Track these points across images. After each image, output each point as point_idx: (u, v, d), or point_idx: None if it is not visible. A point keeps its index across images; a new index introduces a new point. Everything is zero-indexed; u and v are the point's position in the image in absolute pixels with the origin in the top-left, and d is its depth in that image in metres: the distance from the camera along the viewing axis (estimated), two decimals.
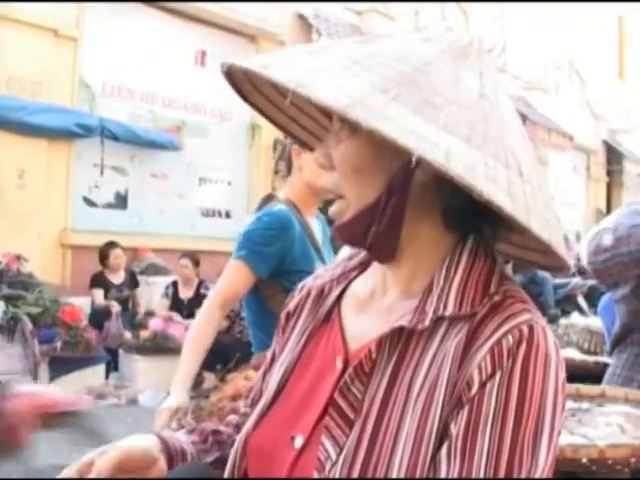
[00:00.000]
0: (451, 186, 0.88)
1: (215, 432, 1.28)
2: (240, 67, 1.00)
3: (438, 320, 0.99)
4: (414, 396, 0.96)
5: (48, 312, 8.02)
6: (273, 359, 1.24)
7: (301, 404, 1.08)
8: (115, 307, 8.52)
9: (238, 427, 1.25)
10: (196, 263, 8.95)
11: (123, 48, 10.34)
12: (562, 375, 0.96)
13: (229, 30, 11.52)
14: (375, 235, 1.02)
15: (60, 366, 7.60)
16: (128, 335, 8.43)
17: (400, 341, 1.01)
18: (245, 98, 1.16)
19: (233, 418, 1.33)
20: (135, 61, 10.56)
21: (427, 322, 0.98)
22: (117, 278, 8.95)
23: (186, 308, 8.62)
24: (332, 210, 1.06)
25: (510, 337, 0.93)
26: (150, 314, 8.97)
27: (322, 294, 1.19)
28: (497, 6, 15.59)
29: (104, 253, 9.00)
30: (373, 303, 1.10)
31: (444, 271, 1.02)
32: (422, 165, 0.91)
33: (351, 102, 0.86)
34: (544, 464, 0.91)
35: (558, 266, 1.04)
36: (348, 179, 1.02)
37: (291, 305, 1.25)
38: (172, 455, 1.18)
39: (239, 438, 1.14)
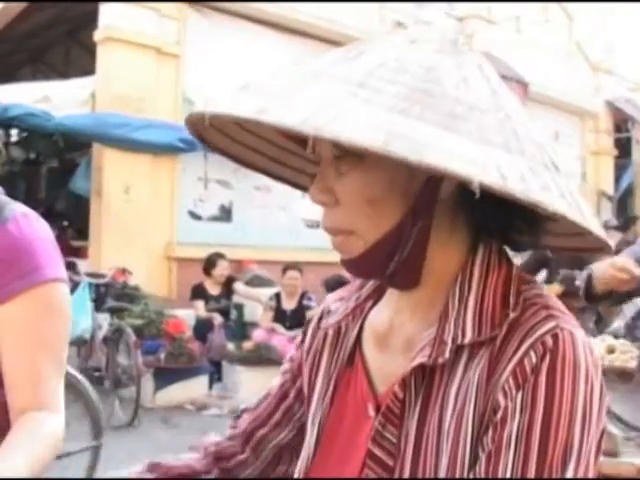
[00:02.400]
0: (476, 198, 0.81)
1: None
2: (228, 115, 0.85)
3: (459, 348, 0.92)
4: (445, 431, 0.90)
5: (153, 324, 8.19)
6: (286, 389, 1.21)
7: (342, 458, 1.03)
8: (217, 319, 8.59)
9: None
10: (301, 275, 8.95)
11: (224, 62, 10.49)
12: (596, 382, 0.88)
13: (328, 42, 11.55)
14: (397, 265, 0.94)
15: (164, 377, 7.75)
16: (231, 346, 8.49)
17: (424, 376, 0.94)
18: (209, 142, 1.06)
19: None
20: (236, 75, 10.70)
21: (447, 354, 0.91)
22: (216, 289, 9.03)
23: (289, 319, 8.62)
24: (337, 245, 0.96)
25: (532, 353, 0.87)
26: (253, 325, 9.02)
27: (340, 333, 1.11)
28: (604, 6, 15.10)
29: (211, 263, 9.08)
30: (392, 337, 1.03)
31: (457, 291, 0.94)
32: (444, 184, 0.88)
33: (385, 137, 0.76)
34: None
35: (597, 247, 0.95)
36: (360, 213, 0.93)
37: (307, 343, 1.18)
38: None
39: None
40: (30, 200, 13.15)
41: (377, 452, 0.96)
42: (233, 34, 10.66)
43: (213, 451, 1.21)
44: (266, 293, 9.25)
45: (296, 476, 1.09)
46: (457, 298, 0.93)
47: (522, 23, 14.01)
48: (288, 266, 8.81)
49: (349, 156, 0.91)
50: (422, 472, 0.91)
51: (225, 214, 10.90)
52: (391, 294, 1.05)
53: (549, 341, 0.87)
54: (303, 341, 1.19)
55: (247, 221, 10.88)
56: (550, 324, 0.89)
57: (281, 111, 0.81)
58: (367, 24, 11.61)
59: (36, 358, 1.45)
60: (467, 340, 0.90)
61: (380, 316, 1.06)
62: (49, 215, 11.33)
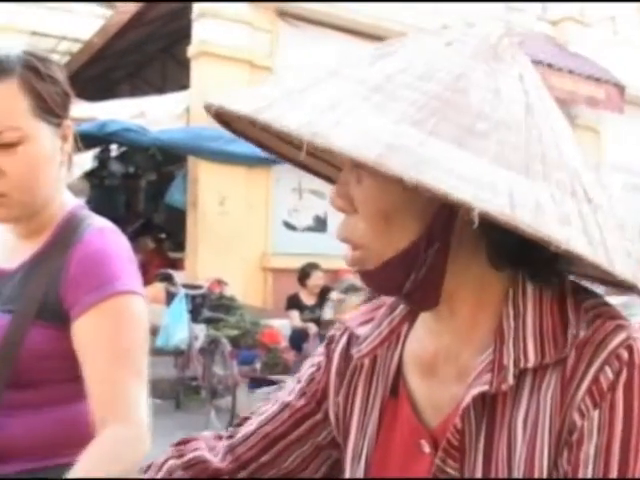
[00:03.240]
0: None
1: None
2: (233, 111, 0.82)
3: (522, 372, 0.85)
4: (517, 460, 0.83)
5: (248, 334, 8.26)
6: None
7: None
8: (312, 329, 8.59)
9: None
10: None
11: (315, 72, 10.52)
12: None
13: None
14: (414, 283, 0.87)
15: (259, 387, 7.77)
16: None
17: (485, 405, 0.87)
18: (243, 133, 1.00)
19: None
20: None
21: (510, 380, 0.84)
22: (311, 299, 9.04)
23: None
24: (350, 260, 0.90)
25: (608, 369, 0.81)
26: None
27: (376, 362, 1.04)
28: None
29: (305, 273, 9.10)
30: (440, 364, 0.95)
31: (511, 310, 0.87)
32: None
33: (382, 150, 0.71)
34: None
35: (623, 285, 0.84)
36: (373, 225, 0.87)
37: (335, 367, 1.09)
38: None
39: None
40: (129, 213, 13.52)
41: None
42: (323, 44, 10.68)
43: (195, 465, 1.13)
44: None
45: None
46: (512, 317, 0.86)
47: (618, 24, 13.59)
48: None
49: None
50: None
51: (320, 224, 10.92)
52: (426, 317, 0.98)
53: (624, 354, 0.81)
54: (329, 364, 1.10)
55: None
56: (621, 336, 0.82)
57: (283, 111, 0.76)
58: None
59: (114, 370, 1.45)
60: (531, 364, 0.83)
61: (421, 342, 0.98)
62: (147, 228, 11.61)
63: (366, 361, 1.04)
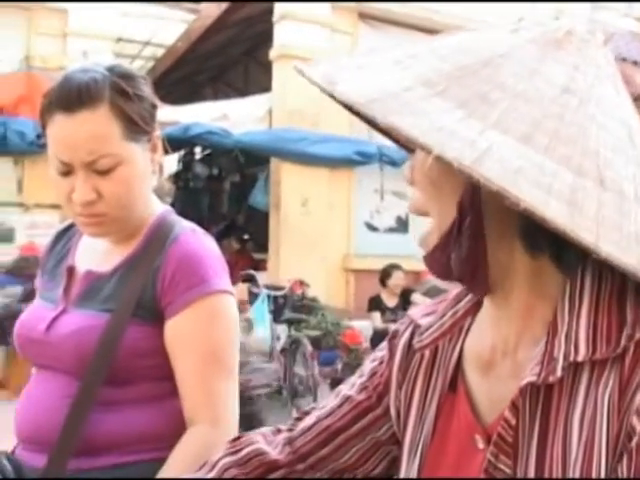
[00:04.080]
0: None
1: None
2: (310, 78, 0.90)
3: (578, 366, 0.83)
4: (572, 460, 0.81)
5: (330, 335, 8.29)
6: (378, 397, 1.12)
7: None
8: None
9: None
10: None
11: None
12: None
13: None
14: (459, 266, 0.88)
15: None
16: None
17: (539, 398, 0.85)
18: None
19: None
20: None
21: (559, 372, 0.82)
22: (392, 301, 9.01)
23: None
24: (419, 238, 0.94)
25: None
26: None
27: (436, 354, 1.04)
28: None
29: (387, 273, 9.08)
30: (497, 360, 0.94)
31: (567, 302, 0.85)
32: None
33: (375, 97, 0.75)
34: None
35: None
36: (427, 194, 0.90)
37: (397, 361, 1.10)
38: None
39: None
40: (213, 215, 13.71)
41: None
42: (402, 45, 10.65)
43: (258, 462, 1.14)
44: None
45: None
46: (567, 311, 0.84)
47: None
48: None
49: None
50: None
51: (402, 225, 10.88)
52: (487, 310, 0.97)
53: None
54: (391, 358, 1.11)
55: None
56: None
57: (328, 68, 0.85)
58: None
59: (204, 369, 1.50)
60: (581, 357, 0.81)
61: (481, 336, 0.98)
62: (231, 229, 11.77)
63: (426, 353, 1.04)
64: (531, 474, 0.83)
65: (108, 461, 1.47)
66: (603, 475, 0.78)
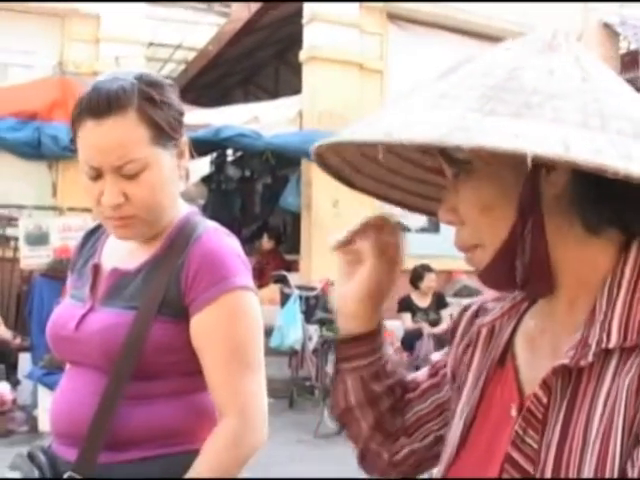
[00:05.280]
0: (590, 189, 0.84)
1: None
2: (327, 143, 0.95)
3: (608, 353, 0.88)
4: (591, 441, 0.85)
5: None
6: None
7: (484, 458, 1.00)
8: (426, 328, 8.57)
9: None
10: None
11: (425, 73, 10.46)
12: None
13: None
14: (523, 270, 0.93)
15: None
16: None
17: (570, 380, 0.90)
18: (337, 174, 1.14)
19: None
20: None
21: (590, 357, 0.87)
22: (424, 302, 9.00)
23: None
24: (472, 263, 0.98)
25: None
26: None
27: (493, 332, 1.10)
28: None
29: (418, 275, 9.08)
30: (540, 341, 1.00)
31: (606, 292, 0.90)
32: (550, 177, 0.87)
33: (447, 131, 0.80)
34: None
35: None
36: (480, 223, 0.94)
37: (458, 336, 1.17)
38: None
39: None
40: (245, 216, 13.79)
41: (516, 456, 0.92)
42: (434, 46, 10.65)
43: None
44: None
45: (438, 476, 1.07)
46: (605, 300, 0.89)
47: None
48: None
49: (462, 172, 0.94)
50: None
51: (433, 225, 10.85)
52: (541, 301, 1.02)
53: None
54: (455, 329, 1.18)
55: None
56: None
57: (363, 129, 0.88)
58: (572, 25, 11.24)
59: (229, 364, 1.55)
60: (612, 344, 0.86)
61: (533, 318, 1.03)
62: (263, 230, 11.82)
63: (484, 330, 1.10)
64: (552, 451, 0.88)
65: (137, 454, 1.53)
66: (618, 456, 0.81)
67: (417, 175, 1.17)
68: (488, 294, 1.15)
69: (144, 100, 1.53)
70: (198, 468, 1.48)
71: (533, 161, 0.75)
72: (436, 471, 1.09)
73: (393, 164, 1.13)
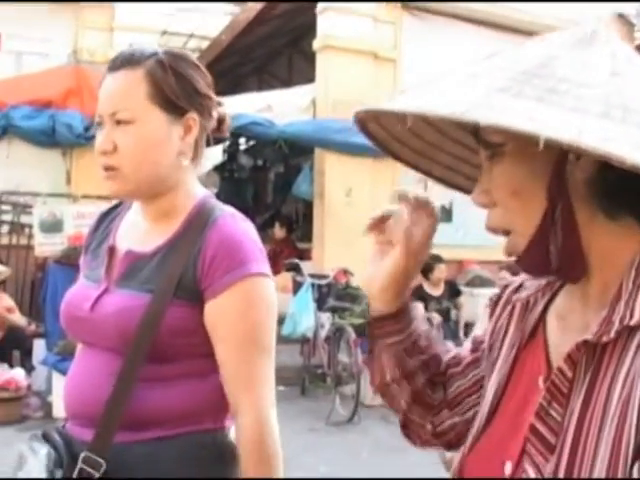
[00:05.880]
0: (614, 178, 0.87)
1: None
2: (364, 111, 1.02)
3: (632, 330, 0.90)
4: (610, 415, 0.88)
5: None
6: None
7: (511, 427, 1.03)
8: (436, 318, 8.58)
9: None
10: (514, 274, 8.74)
11: (439, 63, 10.46)
12: None
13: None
14: (557, 254, 0.96)
15: None
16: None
17: (594, 356, 0.93)
18: (376, 141, 1.15)
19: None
20: None
21: (612, 333, 0.90)
22: (436, 290, 9.01)
23: None
24: (505, 249, 1.01)
25: None
26: (471, 325, 8.93)
27: (527, 307, 1.13)
28: None
29: (428, 266, 9.07)
30: (573, 318, 1.03)
31: (632, 273, 0.93)
32: (579, 163, 0.90)
33: (468, 107, 0.84)
34: None
35: None
36: (511, 207, 0.97)
37: (497, 312, 1.19)
38: None
39: (457, 459, 1.12)
40: (258, 205, 13.82)
41: (540, 427, 0.94)
42: (446, 34, 10.61)
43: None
44: (487, 293, 9.13)
45: (466, 443, 1.11)
46: (631, 281, 0.92)
47: None
48: (502, 266, 8.65)
49: (495, 155, 0.97)
50: (581, 455, 0.88)
51: (445, 214, 10.85)
52: None
53: None
54: (497, 303, 1.20)
55: (468, 221, 10.76)
56: None
57: (402, 100, 0.93)
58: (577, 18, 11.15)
59: (244, 350, 1.58)
60: (634, 321, 0.88)
61: (564, 297, 1.06)
62: (275, 219, 11.85)
63: (518, 305, 1.13)
64: (573, 423, 0.90)
65: (152, 435, 1.56)
66: (634, 431, 0.83)
67: (456, 152, 1.19)
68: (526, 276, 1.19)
69: (156, 63, 1.62)
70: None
71: (563, 147, 0.79)
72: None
73: (434, 139, 1.16)
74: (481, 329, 1.25)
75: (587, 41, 0.94)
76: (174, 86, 1.61)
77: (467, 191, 1.20)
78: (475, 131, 0.98)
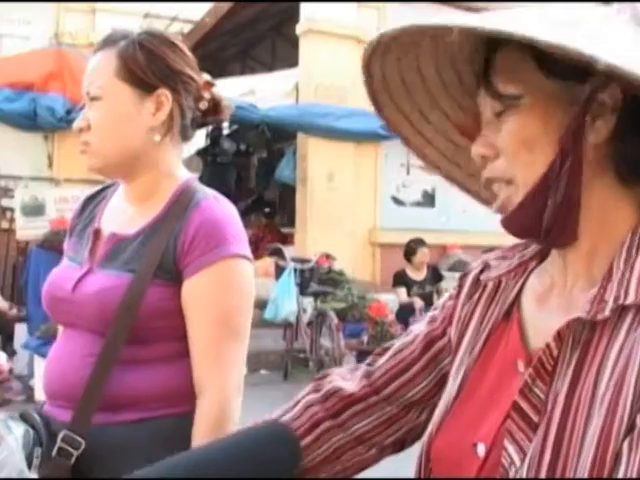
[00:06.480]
0: (631, 143, 0.87)
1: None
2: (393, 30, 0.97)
3: (624, 310, 0.89)
4: (600, 394, 0.87)
5: (355, 307, 8.40)
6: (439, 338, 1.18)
7: (481, 409, 1.02)
8: (418, 303, 8.62)
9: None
10: None
11: None
12: None
13: None
14: (552, 212, 0.94)
15: (366, 359, 7.84)
16: None
17: (583, 334, 0.92)
18: (380, 110, 1.13)
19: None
20: None
21: (607, 312, 0.88)
22: (419, 275, 9.05)
23: None
24: (498, 202, 0.99)
25: None
26: None
27: (499, 288, 1.11)
28: None
29: (411, 249, 9.13)
30: (553, 296, 1.01)
31: (624, 252, 0.92)
32: (595, 125, 0.89)
33: (496, 23, 0.84)
34: None
35: None
36: (517, 158, 0.95)
37: (464, 295, 1.16)
38: None
39: (423, 442, 1.10)
40: (241, 190, 13.79)
41: (523, 405, 0.93)
42: (431, 19, 10.57)
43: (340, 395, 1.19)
44: None
45: (431, 427, 1.08)
46: (623, 260, 0.91)
47: None
48: (484, 250, 8.69)
49: (507, 105, 0.95)
50: (569, 434, 0.88)
51: (428, 199, 10.90)
52: (554, 255, 1.03)
53: None
54: (459, 293, 1.17)
55: (450, 206, 10.81)
56: None
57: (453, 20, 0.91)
58: None
59: (215, 331, 1.58)
60: (629, 300, 0.88)
61: (543, 276, 1.05)
62: (258, 204, 11.85)
63: (489, 284, 1.11)
64: (560, 404, 0.89)
65: (131, 416, 1.56)
66: (628, 410, 0.83)
67: (460, 143, 1.16)
68: (489, 254, 1.16)
69: (127, 41, 1.65)
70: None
71: (582, 100, 0.83)
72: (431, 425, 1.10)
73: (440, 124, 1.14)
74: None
75: (634, 19, 0.93)
76: (142, 62, 1.63)
77: (462, 187, 1.18)
78: (487, 85, 0.97)
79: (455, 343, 1.13)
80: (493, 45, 0.97)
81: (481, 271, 1.14)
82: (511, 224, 0.98)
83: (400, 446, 1.21)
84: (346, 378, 1.22)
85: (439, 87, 1.09)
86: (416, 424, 1.19)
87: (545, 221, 0.94)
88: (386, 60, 1.04)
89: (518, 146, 0.94)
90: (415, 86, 1.08)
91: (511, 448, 0.92)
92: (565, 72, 0.90)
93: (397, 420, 1.19)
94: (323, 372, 1.27)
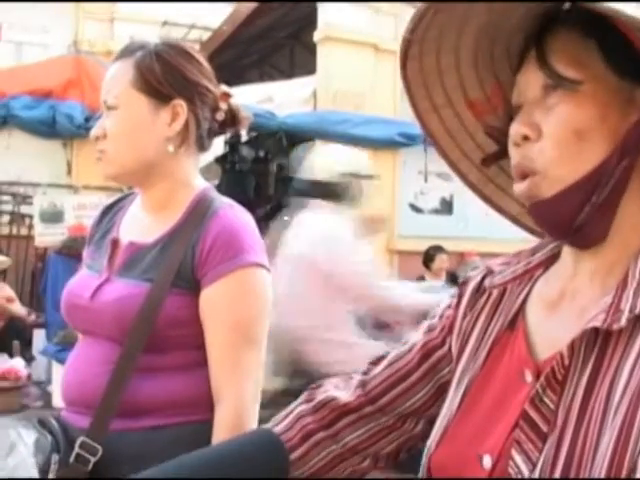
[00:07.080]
0: None
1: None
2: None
3: (638, 320, 0.87)
4: (614, 405, 0.85)
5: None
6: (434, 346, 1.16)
7: (486, 420, 1.00)
8: None
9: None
10: None
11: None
12: None
13: None
14: (590, 211, 0.91)
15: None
16: None
17: (596, 344, 0.90)
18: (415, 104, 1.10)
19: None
20: None
21: (623, 321, 0.87)
22: (437, 281, 9.01)
23: None
24: (521, 189, 0.95)
25: None
26: None
27: (504, 296, 1.09)
28: None
29: (430, 256, 9.11)
30: (563, 304, 0.99)
31: (639, 263, 0.91)
32: None
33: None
34: None
35: None
36: (564, 148, 0.91)
37: (465, 303, 1.14)
38: None
39: (425, 454, 1.08)
40: (259, 197, 13.77)
41: (533, 415, 0.91)
42: None
43: (334, 405, 1.18)
44: None
45: (432, 438, 1.06)
46: (638, 270, 0.89)
47: None
48: None
49: (562, 87, 0.91)
50: (582, 445, 0.85)
51: (446, 207, 10.85)
52: (565, 262, 1.01)
53: None
54: (459, 301, 1.14)
55: (468, 213, 10.73)
56: None
57: None
58: None
59: (232, 340, 1.58)
60: None
61: (551, 283, 1.02)
62: (277, 211, 11.82)
63: (494, 293, 1.08)
64: (574, 415, 0.87)
65: (148, 423, 1.57)
66: None
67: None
68: (492, 261, 1.12)
69: (144, 52, 1.66)
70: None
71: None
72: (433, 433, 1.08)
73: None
74: None
75: None
76: (158, 73, 1.64)
77: (491, 202, 1.16)
78: (541, 59, 0.92)
79: (456, 353, 1.11)
80: (546, 25, 0.93)
81: (483, 278, 1.12)
82: (541, 213, 0.95)
83: (395, 457, 1.19)
84: (340, 388, 1.20)
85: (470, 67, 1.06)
86: (412, 435, 1.17)
87: (580, 218, 0.91)
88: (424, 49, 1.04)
89: (569, 134, 0.90)
90: (449, 69, 1.05)
91: (518, 458, 0.90)
92: (626, 67, 0.88)
93: (393, 431, 1.17)
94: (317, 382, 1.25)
